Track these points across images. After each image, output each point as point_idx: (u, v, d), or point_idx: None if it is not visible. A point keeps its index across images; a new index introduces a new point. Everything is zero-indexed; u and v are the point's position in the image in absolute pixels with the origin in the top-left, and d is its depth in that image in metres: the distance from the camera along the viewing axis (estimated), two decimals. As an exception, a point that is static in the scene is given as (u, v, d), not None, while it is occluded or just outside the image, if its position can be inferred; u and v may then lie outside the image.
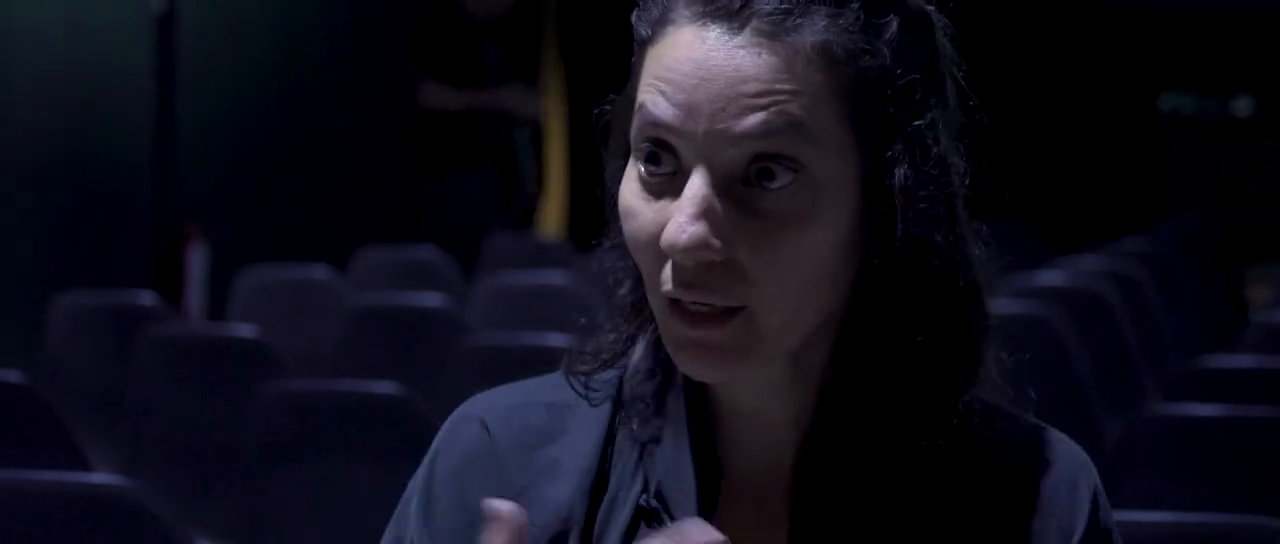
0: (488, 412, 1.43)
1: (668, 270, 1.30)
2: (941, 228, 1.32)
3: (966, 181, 1.36)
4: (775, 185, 1.29)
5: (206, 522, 4.03)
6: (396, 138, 9.04)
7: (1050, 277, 5.63)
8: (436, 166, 8.48)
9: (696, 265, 1.29)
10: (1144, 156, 10.91)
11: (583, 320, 1.45)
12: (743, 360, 1.31)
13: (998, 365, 1.38)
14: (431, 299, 5.26)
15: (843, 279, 1.32)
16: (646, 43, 1.34)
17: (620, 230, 1.38)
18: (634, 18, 1.36)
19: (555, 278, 5.64)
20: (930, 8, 1.36)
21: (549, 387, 1.44)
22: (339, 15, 9.29)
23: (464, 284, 6.31)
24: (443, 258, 6.63)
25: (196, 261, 7.90)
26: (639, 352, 1.41)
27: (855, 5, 1.30)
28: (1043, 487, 1.37)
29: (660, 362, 1.39)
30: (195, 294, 7.87)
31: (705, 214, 1.28)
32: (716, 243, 1.28)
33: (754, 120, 1.28)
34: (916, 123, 1.32)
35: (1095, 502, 1.37)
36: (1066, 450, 1.40)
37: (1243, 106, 11.29)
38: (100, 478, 2.85)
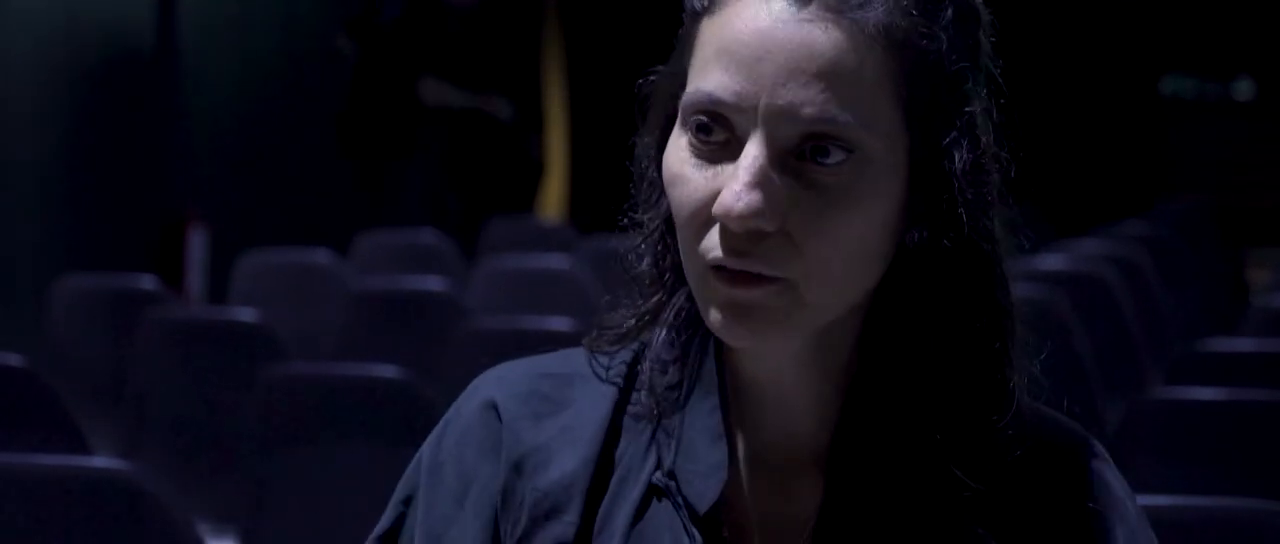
0: (498, 385, 1.44)
1: (714, 236, 1.30)
2: (987, 215, 1.33)
3: (1003, 172, 1.36)
4: (829, 161, 1.28)
5: (207, 505, 4.03)
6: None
7: (1051, 260, 5.63)
8: (367, 155, 8.29)
9: (747, 234, 1.28)
10: (1145, 140, 10.91)
11: (606, 298, 1.45)
12: (779, 327, 1.31)
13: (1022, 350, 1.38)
14: (432, 283, 5.26)
15: (883, 259, 1.32)
16: (701, 14, 1.33)
17: (647, 205, 1.39)
18: None
19: (556, 261, 5.64)
20: (979, 1, 1.36)
21: (561, 360, 1.45)
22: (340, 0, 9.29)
23: (465, 267, 6.31)
24: (444, 241, 6.63)
25: (197, 245, 7.91)
26: (659, 333, 1.41)
27: None
28: (1075, 474, 1.38)
29: (681, 340, 1.39)
30: (196, 278, 7.87)
31: (762, 183, 1.27)
32: (772, 212, 1.28)
33: (815, 98, 1.27)
34: (968, 109, 1.32)
35: (1109, 482, 1.38)
36: (1075, 438, 1.40)
37: (1244, 90, 11.29)
38: (101, 461, 2.85)
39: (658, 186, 1.37)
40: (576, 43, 10.30)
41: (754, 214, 1.27)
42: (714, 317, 1.31)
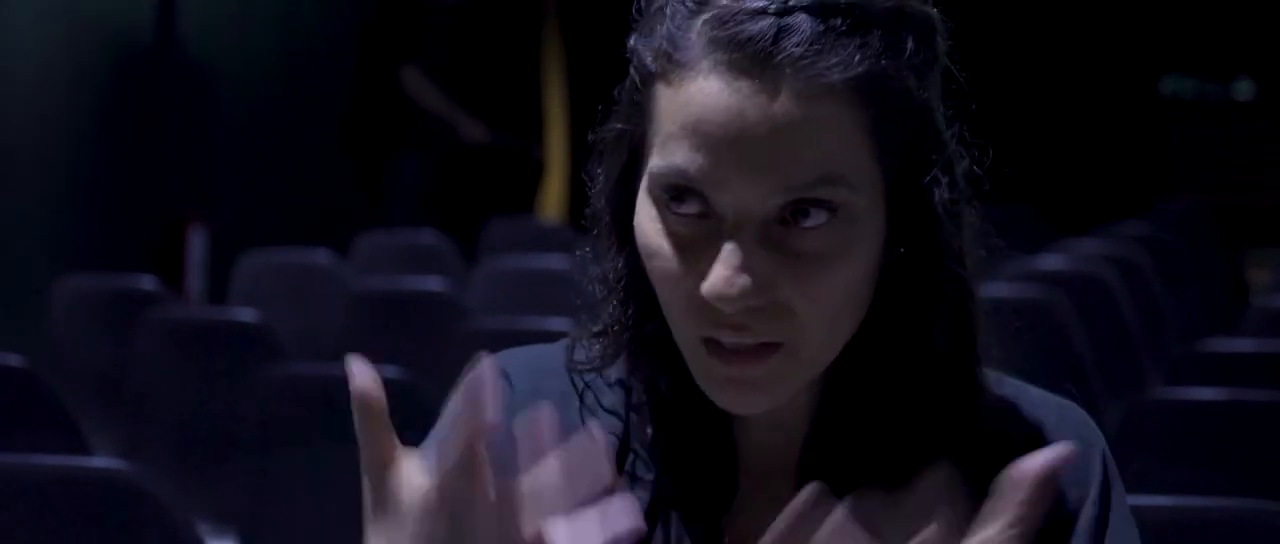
0: (510, 364, 1.44)
1: (702, 313, 1.28)
2: (960, 235, 1.32)
3: (974, 183, 1.35)
4: (811, 224, 1.27)
5: (207, 505, 4.03)
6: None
7: (1051, 261, 5.63)
8: (361, 153, 8.28)
9: (740, 308, 1.27)
10: (1145, 140, 10.91)
11: (579, 303, 1.44)
12: (781, 390, 1.31)
13: (998, 344, 1.38)
14: (432, 283, 5.26)
15: (869, 296, 1.32)
16: (656, 78, 1.30)
17: (604, 256, 1.38)
18: (634, 42, 1.32)
19: (556, 261, 5.64)
20: (931, 9, 1.33)
21: (561, 352, 1.45)
22: (340, -1, 9.29)
23: (465, 268, 6.31)
24: (444, 241, 6.63)
25: (197, 245, 7.91)
26: (634, 381, 1.40)
27: (877, 31, 1.27)
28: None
29: (670, 362, 1.38)
30: (196, 278, 7.87)
31: (749, 265, 1.26)
32: (763, 289, 1.26)
33: (795, 169, 1.25)
34: (940, 139, 1.30)
35: (1105, 465, 1.37)
36: (1074, 417, 1.40)
37: (1244, 90, 11.28)
38: (101, 462, 2.85)
39: (614, 235, 1.37)
40: (576, 43, 10.29)
41: (746, 295, 1.26)
42: (715, 391, 1.31)
